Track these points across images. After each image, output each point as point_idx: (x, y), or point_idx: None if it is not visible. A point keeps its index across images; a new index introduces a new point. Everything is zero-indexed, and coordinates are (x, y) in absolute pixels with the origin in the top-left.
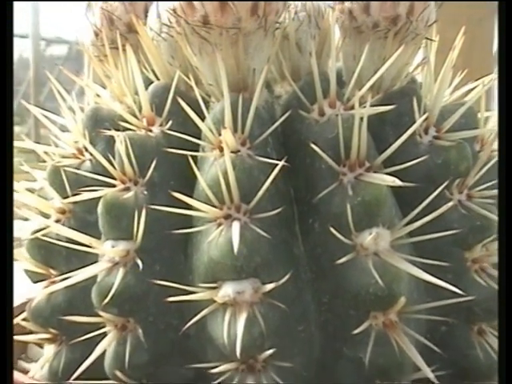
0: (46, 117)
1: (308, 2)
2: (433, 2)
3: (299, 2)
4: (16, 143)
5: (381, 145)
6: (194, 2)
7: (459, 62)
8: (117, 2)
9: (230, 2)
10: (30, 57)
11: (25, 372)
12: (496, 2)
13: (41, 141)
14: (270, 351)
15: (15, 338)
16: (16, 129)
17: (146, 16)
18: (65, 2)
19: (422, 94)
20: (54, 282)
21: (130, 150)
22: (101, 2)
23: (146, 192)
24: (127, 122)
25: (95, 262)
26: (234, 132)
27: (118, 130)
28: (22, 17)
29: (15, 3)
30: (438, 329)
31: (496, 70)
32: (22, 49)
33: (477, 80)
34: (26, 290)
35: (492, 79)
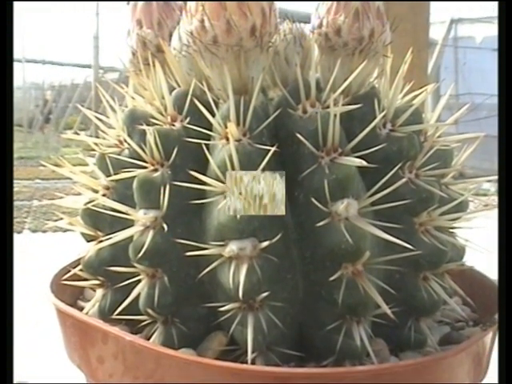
0: (98, 119)
1: (294, 27)
2: (388, 28)
3: (287, 27)
4: (74, 136)
5: (350, 135)
6: (206, 26)
7: (404, 80)
8: (148, 30)
9: (234, 26)
10: (92, 81)
11: (81, 309)
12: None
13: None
14: (265, 294)
15: (75, 283)
16: (82, 132)
17: (170, 39)
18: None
19: (381, 98)
20: (101, 241)
21: (157, 140)
22: (137, 30)
23: (169, 172)
24: (156, 119)
25: (131, 225)
26: (237, 125)
27: (148, 125)
28: (87, 52)
29: (83, 47)
30: (393, 276)
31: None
32: (86, 75)
33: (420, 88)
34: (81, 248)
35: (433, 88)
